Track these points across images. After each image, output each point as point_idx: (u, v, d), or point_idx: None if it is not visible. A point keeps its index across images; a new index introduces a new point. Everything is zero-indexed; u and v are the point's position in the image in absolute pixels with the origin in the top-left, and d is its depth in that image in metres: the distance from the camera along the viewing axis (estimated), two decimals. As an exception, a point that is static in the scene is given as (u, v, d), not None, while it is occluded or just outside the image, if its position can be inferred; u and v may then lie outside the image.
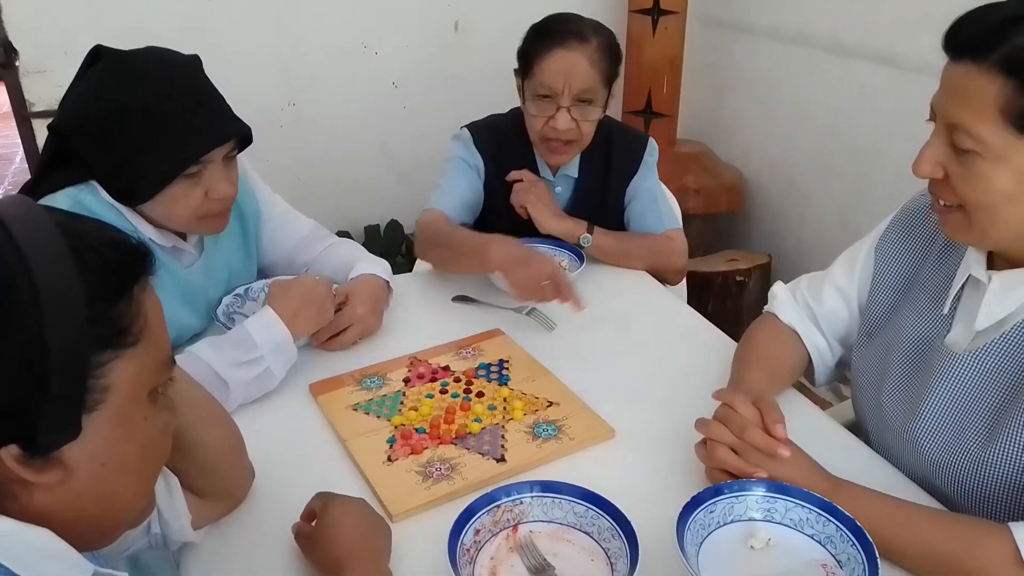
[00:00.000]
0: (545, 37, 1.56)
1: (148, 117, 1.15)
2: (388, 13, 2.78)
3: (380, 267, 1.51)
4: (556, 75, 1.54)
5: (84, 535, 0.69)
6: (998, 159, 0.88)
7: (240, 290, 1.45)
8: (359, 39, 2.78)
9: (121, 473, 0.68)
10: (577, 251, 1.68)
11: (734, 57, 3.10)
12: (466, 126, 1.75)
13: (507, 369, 1.33)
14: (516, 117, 1.71)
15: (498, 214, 1.74)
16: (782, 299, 1.32)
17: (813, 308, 1.29)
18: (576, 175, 1.75)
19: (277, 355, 1.23)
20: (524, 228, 1.69)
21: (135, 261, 0.68)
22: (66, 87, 1.21)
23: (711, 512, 0.96)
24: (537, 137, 1.64)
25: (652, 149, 1.77)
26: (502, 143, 1.72)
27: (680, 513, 0.92)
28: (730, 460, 1.01)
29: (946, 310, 1.08)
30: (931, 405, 1.06)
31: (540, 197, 1.64)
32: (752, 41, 2.99)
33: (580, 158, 1.73)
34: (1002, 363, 1.00)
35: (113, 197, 1.21)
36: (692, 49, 3.04)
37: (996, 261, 1.03)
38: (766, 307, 1.36)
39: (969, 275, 1.04)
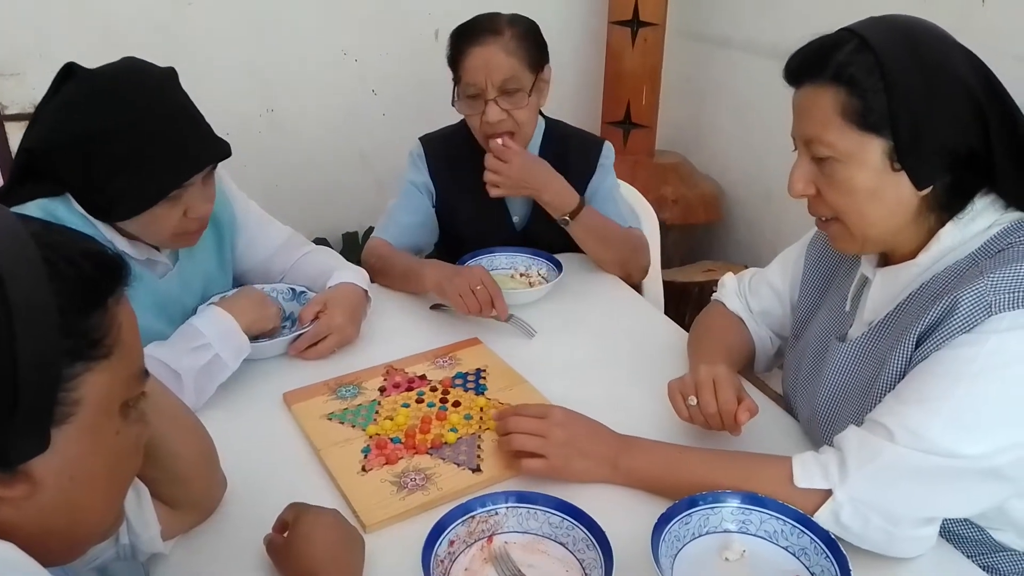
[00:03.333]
0: (462, 39, 1.60)
1: (127, 140, 1.13)
2: (368, 20, 2.77)
3: (358, 275, 1.50)
4: (477, 71, 1.57)
5: (50, 549, 0.67)
6: (852, 158, 0.97)
7: (216, 299, 1.44)
8: (339, 46, 2.77)
9: (90, 487, 0.67)
10: (554, 259, 1.68)
11: (713, 69, 3.13)
12: (421, 138, 1.78)
13: (484, 378, 1.33)
14: (466, 125, 1.72)
15: (464, 224, 1.77)
16: (730, 288, 1.41)
17: (751, 304, 1.38)
18: None
19: (225, 342, 1.24)
20: (496, 237, 1.70)
21: (110, 273, 0.67)
22: (41, 91, 1.19)
23: (686, 524, 0.96)
24: (480, 137, 1.67)
25: (608, 152, 1.78)
26: (455, 153, 1.74)
27: (655, 524, 0.92)
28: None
29: (848, 307, 1.15)
30: (824, 396, 1.13)
31: (523, 171, 1.62)
32: (730, 54, 3.02)
33: None
34: (868, 352, 1.07)
35: (88, 213, 1.19)
36: (671, 61, 3.06)
37: (888, 259, 1.09)
38: (714, 295, 1.44)
39: (860, 273, 1.13)
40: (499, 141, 1.60)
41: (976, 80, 0.95)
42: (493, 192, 1.62)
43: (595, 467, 1.08)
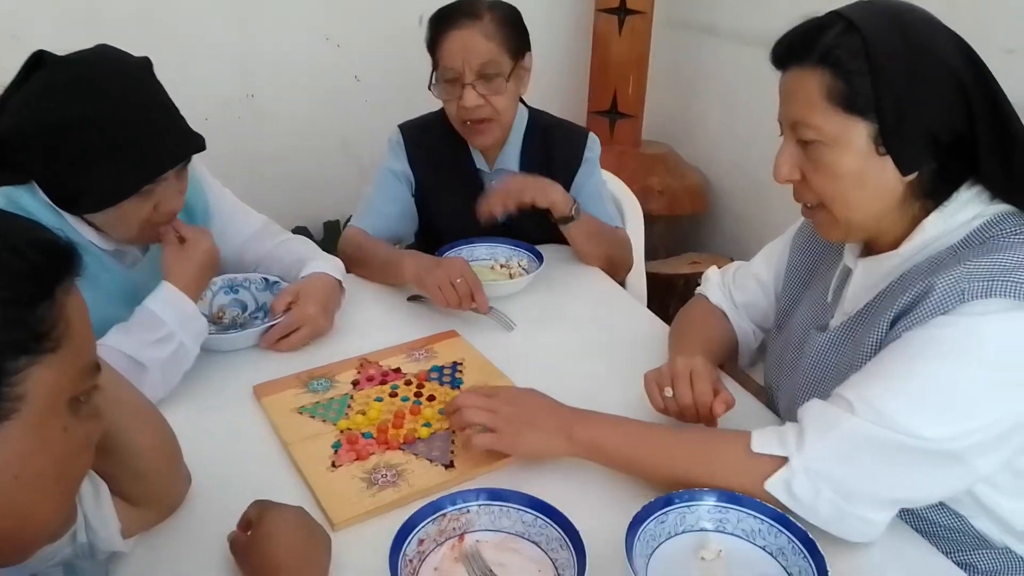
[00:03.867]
0: (440, 23, 1.58)
1: (100, 133, 1.09)
2: (352, 6, 2.72)
3: (332, 265, 1.47)
4: (454, 55, 1.55)
5: (-4, 551, 0.65)
6: (837, 142, 0.96)
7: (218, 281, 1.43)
8: (322, 31, 2.72)
9: (36, 486, 0.64)
10: (535, 251, 1.65)
11: (700, 59, 3.10)
12: (400, 125, 1.75)
13: (460, 372, 1.30)
14: (445, 113, 1.69)
15: (444, 214, 1.74)
16: (714, 282, 1.40)
17: (735, 297, 1.36)
18: (517, 170, 1.73)
19: (186, 328, 1.20)
20: (477, 228, 1.67)
21: (59, 262, 0.64)
22: (12, 74, 1.14)
23: (662, 522, 0.94)
24: (457, 122, 1.64)
25: (593, 144, 1.76)
26: (434, 141, 1.72)
27: (630, 523, 0.90)
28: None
29: (829, 298, 1.14)
30: (802, 385, 1.12)
31: (525, 179, 1.61)
32: (717, 43, 2.99)
33: (520, 153, 1.72)
34: (846, 340, 1.06)
35: (55, 203, 1.16)
36: (658, 50, 3.03)
37: (871, 249, 1.08)
38: (698, 289, 1.44)
39: (843, 264, 1.11)
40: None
41: (963, 65, 0.94)
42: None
43: (548, 438, 1.05)
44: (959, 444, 0.88)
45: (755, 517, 0.94)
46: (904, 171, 0.96)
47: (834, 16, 0.97)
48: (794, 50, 0.98)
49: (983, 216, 0.97)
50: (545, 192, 1.58)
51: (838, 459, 0.92)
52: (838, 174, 0.98)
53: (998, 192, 0.97)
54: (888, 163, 0.96)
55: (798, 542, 0.91)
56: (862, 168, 0.96)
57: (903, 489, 0.93)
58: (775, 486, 0.94)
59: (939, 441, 0.88)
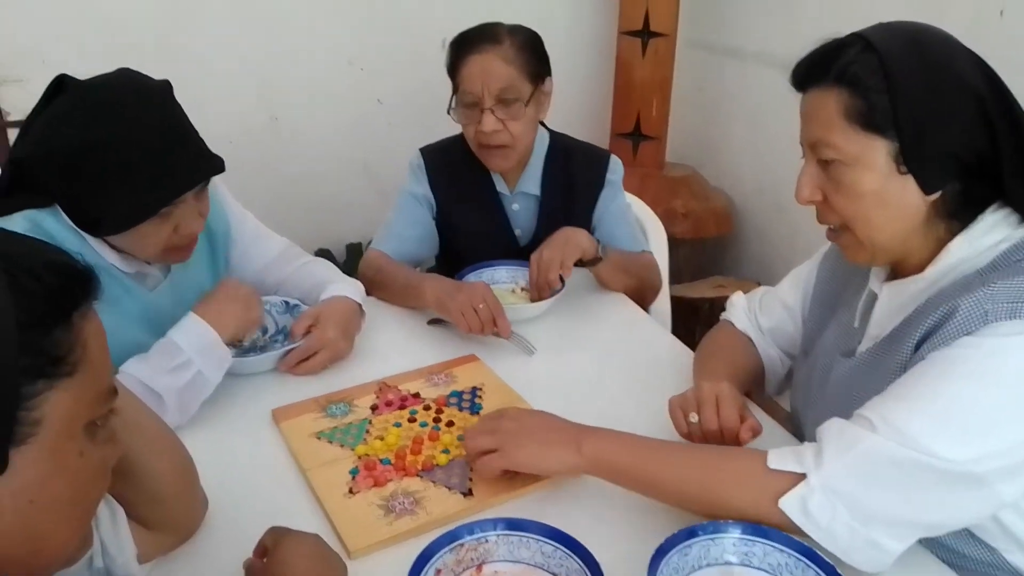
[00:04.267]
0: (461, 47, 1.58)
1: (119, 155, 1.10)
2: (374, 30, 2.75)
3: (353, 289, 1.46)
4: (474, 79, 1.55)
5: (11, 576, 0.64)
6: (858, 161, 0.95)
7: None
8: (345, 55, 2.75)
9: (52, 511, 0.64)
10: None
11: (724, 81, 3.09)
12: (421, 149, 1.75)
13: (480, 397, 1.29)
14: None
15: (465, 237, 1.73)
16: (739, 307, 1.38)
17: (761, 322, 1.34)
18: (538, 193, 1.72)
19: (206, 357, 1.20)
20: (498, 250, 1.66)
21: (77, 285, 0.64)
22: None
23: (685, 555, 0.91)
24: (474, 146, 1.64)
25: (615, 166, 1.74)
26: (455, 164, 1.71)
27: (653, 556, 0.88)
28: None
29: (856, 323, 1.12)
30: (829, 412, 1.07)
31: (552, 249, 1.55)
32: (742, 65, 2.97)
33: (541, 176, 1.71)
34: (873, 366, 1.04)
35: (77, 226, 1.16)
36: (682, 72, 3.02)
37: (898, 273, 1.06)
38: (723, 314, 1.41)
39: (869, 288, 1.10)
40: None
41: (982, 84, 0.93)
42: None
43: (554, 451, 1.03)
44: (982, 467, 0.85)
45: (782, 551, 0.91)
46: (926, 190, 0.95)
47: (852, 37, 0.97)
48: (813, 71, 0.99)
49: (1011, 240, 0.95)
50: (574, 248, 1.54)
51: (858, 478, 0.89)
52: (859, 193, 0.97)
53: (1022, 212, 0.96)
54: (910, 182, 0.95)
55: (826, 577, 0.88)
56: (883, 187, 0.96)
57: (923, 512, 0.90)
58: (790, 504, 0.91)
59: (961, 463, 0.85)
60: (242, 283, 1.32)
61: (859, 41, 0.95)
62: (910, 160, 0.93)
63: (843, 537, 0.90)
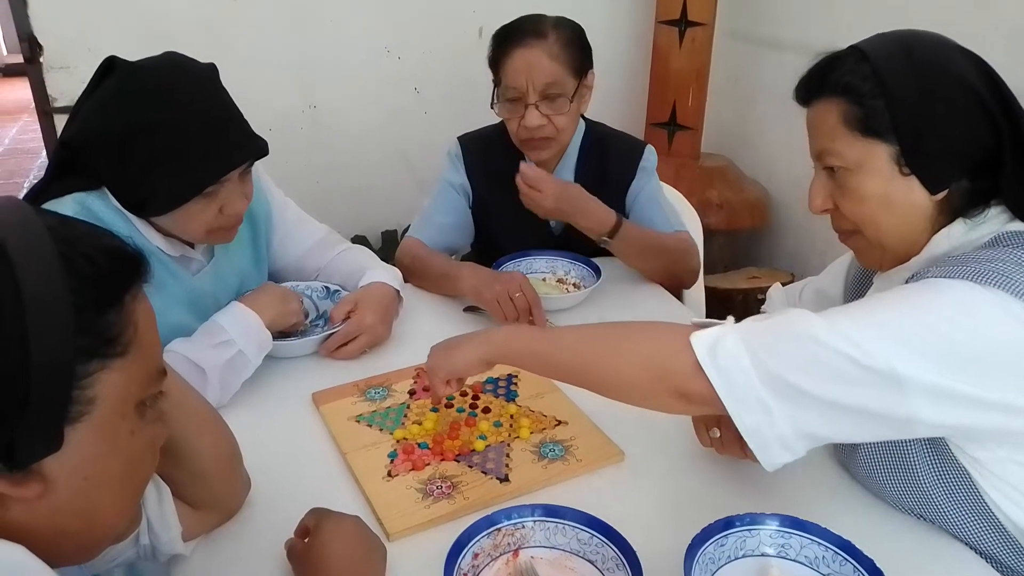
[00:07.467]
0: (505, 40, 1.56)
1: (166, 136, 1.12)
2: (412, 18, 2.76)
3: (391, 275, 1.48)
4: (518, 74, 1.54)
5: (63, 551, 0.66)
6: (860, 166, 0.98)
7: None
8: (382, 43, 2.76)
9: (104, 488, 0.66)
10: (594, 264, 1.64)
11: (761, 71, 3.05)
12: (459, 137, 1.75)
13: (515, 384, 1.29)
14: (504, 127, 1.69)
15: (501, 226, 1.74)
16: (777, 301, 1.39)
17: None
18: (572, 180, 1.71)
19: (247, 338, 1.24)
20: (533, 239, 1.66)
21: (128, 269, 0.65)
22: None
23: (722, 546, 0.92)
24: (516, 140, 1.64)
25: (649, 155, 1.73)
26: (492, 154, 1.71)
27: (689, 546, 0.88)
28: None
29: None
30: None
31: (558, 198, 1.56)
32: (779, 55, 2.94)
33: (575, 164, 1.71)
34: None
35: (124, 207, 1.19)
36: (718, 62, 3.00)
37: None
38: (763, 307, 1.41)
39: (873, 281, 1.13)
40: (524, 166, 1.53)
41: (980, 81, 0.93)
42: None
43: (464, 347, 1.06)
44: (899, 368, 0.83)
45: (819, 544, 0.91)
46: (932, 190, 0.96)
47: (849, 49, 1.00)
48: (813, 85, 1.02)
49: (995, 233, 0.95)
50: (574, 220, 1.55)
51: (775, 337, 0.88)
52: (864, 197, 0.99)
53: (1014, 209, 0.95)
54: (914, 183, 0.96)
55: (864, 571, 0.87)
56: (887, 189, 0.97)
57: (824, 390, 0.85)
58: (701, 340, 0.89)
59: (883, 359, 0.83)
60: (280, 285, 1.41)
61: (854, 52, 0.99)
62: (911, 161, 0.95)
63: (738, 385, 0.87)
